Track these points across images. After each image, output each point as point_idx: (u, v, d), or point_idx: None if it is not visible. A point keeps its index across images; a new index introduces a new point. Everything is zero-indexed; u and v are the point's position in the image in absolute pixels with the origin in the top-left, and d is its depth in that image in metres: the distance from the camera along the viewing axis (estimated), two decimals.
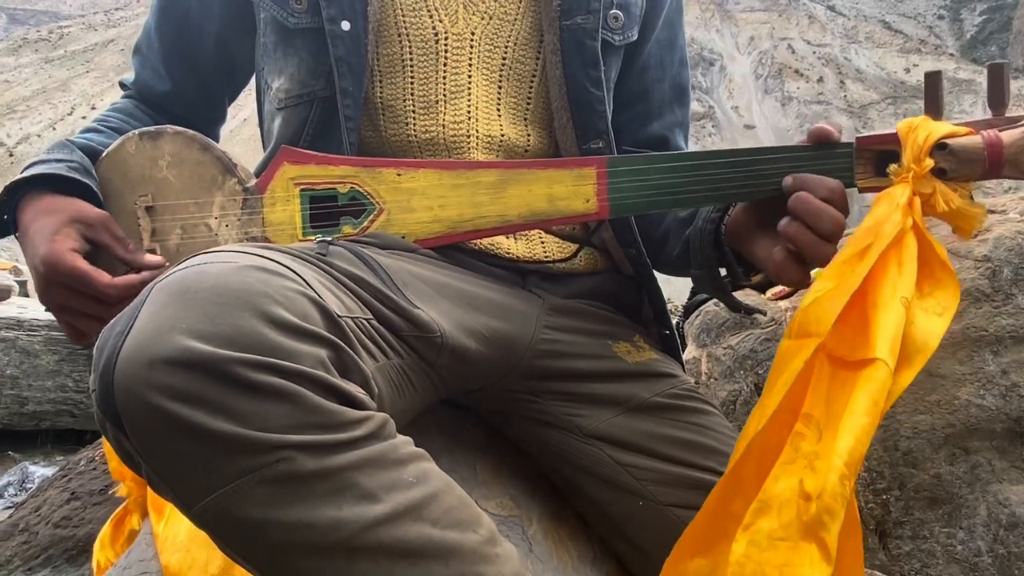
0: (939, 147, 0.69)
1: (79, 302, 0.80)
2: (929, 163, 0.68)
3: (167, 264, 0.85)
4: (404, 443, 0.59)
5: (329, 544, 0.52)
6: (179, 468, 0.52)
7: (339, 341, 0.58)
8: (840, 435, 0.59)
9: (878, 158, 0.73)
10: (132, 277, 0.80)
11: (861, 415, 0.59)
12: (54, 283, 0.79)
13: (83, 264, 0.78)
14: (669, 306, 1.06)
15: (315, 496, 0.52)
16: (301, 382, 0.53)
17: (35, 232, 0.81)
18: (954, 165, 0.69)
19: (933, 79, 0.73)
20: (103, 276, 0.79)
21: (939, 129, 0.69)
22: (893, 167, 0.71)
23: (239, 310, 0.53)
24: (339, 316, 0.60)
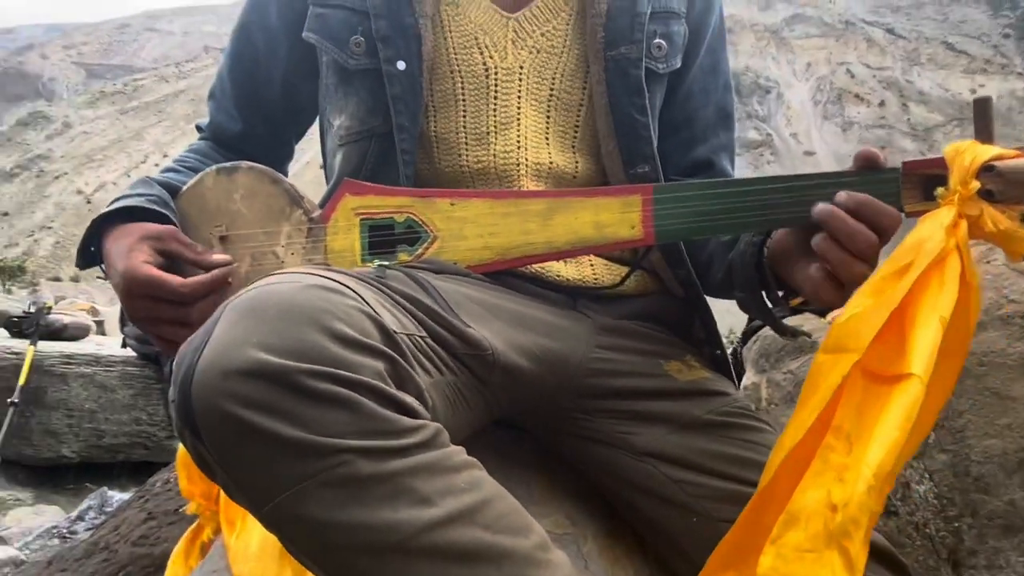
0: (986, 169, 0.69)
1: (159, 309, 0.85)
2: (975, 185, 0.68)
3: (235, 264, 0.90)
4: (457, 452, 0.62)
5: (386, 545, 0.55)
6: (250, 472, 0.56)
7: (395, 355, 0.61)
8: (870, 447, 0.59)
9: (925, 182, 0.73)
10: (202, 276, 0.86)
11: (893, 428, 0.59)
12: (135, 295, 0.84)
13: (154, 271, 0.83)
14: (727, 332, 1.06)
15: (373, 499, 0.55)
16: (360, 391, 0.56)
17: (114, 255, 0.87)
18: (1002, 187, 0.68)
19: (982, 104, 0.73)
20: (175, 279, 0.84)
21: (986, 152, 0.69)
22: (940, 190, 0.71)
23: (304, 325, 0.57)
24: (395, 332, 0.64)
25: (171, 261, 0.88)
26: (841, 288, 0.73)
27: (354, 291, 0.63)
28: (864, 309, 0.65)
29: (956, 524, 1.60)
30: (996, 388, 1.59)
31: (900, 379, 0.61)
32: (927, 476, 1.67)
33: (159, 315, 0.85)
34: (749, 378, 1.93)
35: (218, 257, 0.89)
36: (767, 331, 1.93)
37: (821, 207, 0.73)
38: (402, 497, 0.55)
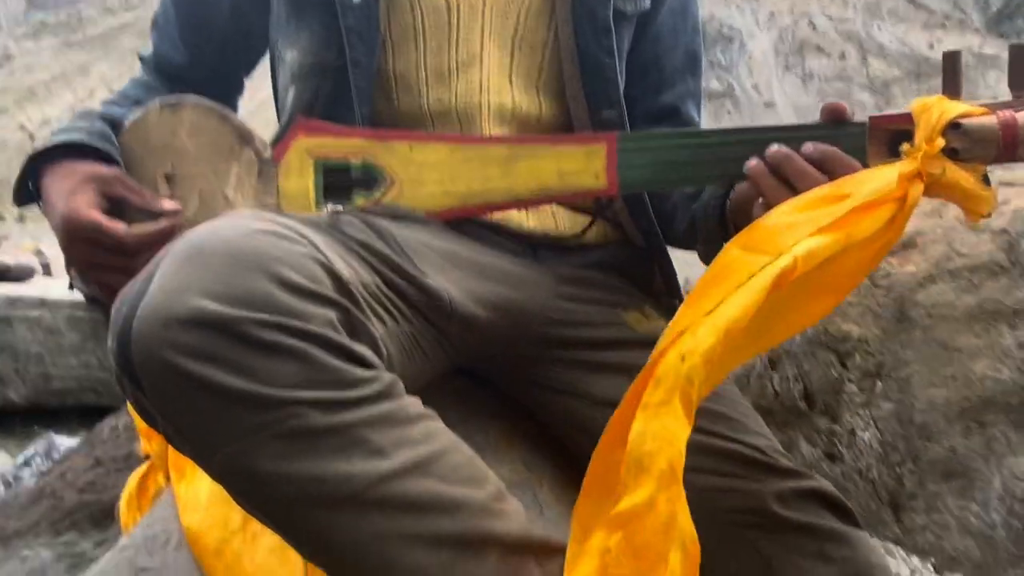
0: (953, 127, 0.68)
1: (102, 256, 0.81)
2: (940, 142, 0.67)
3: (181, 211, 0.86)
4: (412, 403, 0.61)
5: (339, 498, 0.54)
6: (195, 424, 0.54)
7: (347, 303, 0.60)
8: (726, 307, 0.60)
9: (891, 138, 0.73)
10: (148, 225, 0.82)
11: (752, 292, 0.60)
12: (75, 239, 0.80)
13: (99, 216, 0.79)
14: (683, 283, 1.06)
15: (325, 451, 0.54)
16: (310, 341, 0.54)
17: (55, 195, 0.82)
18: (967, 145, 0.68)
19: (952, 58, 0.73)
20: (119, 225, 0.80)
21: (953, 108, 0.68)
22: (905, 146, 0.70)
23: (251, 272, 0.55)
24: (348, 280, 0.61)
25: (116, 205, 0.84)
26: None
27: (305, 237, 0.61)
28: (790, 220, 0.65)
29: (898, 470, 1.66)
30: (943, 339, 1.64)
31: (777, 255, 0.62)
32: (872, 423, 1.72)
33: (101, 262, 0.81)
34: None
35: (167, 204, 0.85)
36: None
37: (775, 148, 0.73)
38: (355, 449, 0.54)
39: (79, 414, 3.88)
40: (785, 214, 0.66)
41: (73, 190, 0.81)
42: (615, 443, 0.62)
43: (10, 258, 4.47)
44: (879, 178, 0.66)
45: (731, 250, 0.65)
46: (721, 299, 0.61)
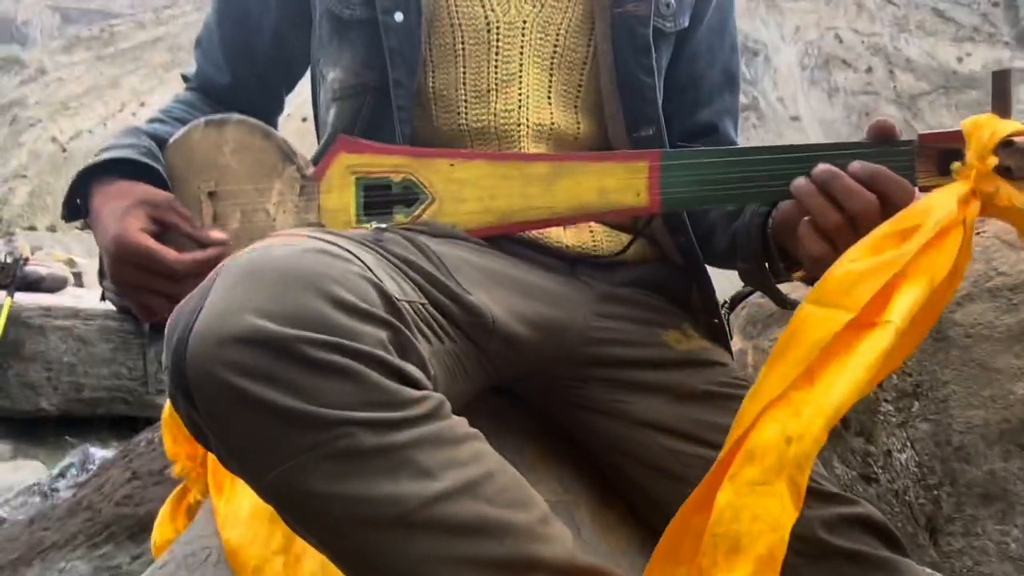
0: (1004, 145, 0.67)
1: (149, 280, 0.82)
2: (993, 160, 0.67)
3: (230, 242, 0.87)
4: (460, 423, 0.60)
5: (387, 519, 0.53)
6: (247, 442, 0.54)
7: (398, 323, 0.60)
8: (835, 385, 0.58)
9: (941, 156, 0.72)
10: (198, 253, 0.83)
11: (860, 369, 0.58)
12: (125, 262, 0.82)
13: (151, 242, 0.81)
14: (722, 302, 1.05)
15: (375, 471, 0.53)
16: (363, 361, 0.55)
17: (106, 215, 0.84)
18: (1020, 163, 0.67)
19: (1001, 77, 0.72)
20: (170, 253, 0.81)
21: (1006, 127, 0.68)
22: (956, 165, 0.69)
23: (304, 291, 0.55)
24: (397, 299, 0.62)
25: (165, 230, 0.85)
26: (825, 240, 0.72)
27: (355, 255, 0.61)
28: (862, 266, 0.64)
29: (935, 492, 1.63)
30: (981, 359, 1.61)
31: (875, 325, 0.60)
32: (909, 444, 1.69)
33: (147, 285, 0.83)
34: (736, 344, 1.94)
35: (216, 235, 0.86)
36: (755, 298, 1.93)
37: (822, 167, 0.72)
38: (404, 470, 0.54)
39: (109, 424, 3.93)
40: (854, 261, 0.64)
41: (125, 212, 0.82)
42: (698, 508, 0.61)
43: (43, 268, 4.54)
44: (940, 206, 0.65)
45: (805, 307, 0.64)
46: (805, 361, 0.60)
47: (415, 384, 0.58)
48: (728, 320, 2.02)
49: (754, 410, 0.61)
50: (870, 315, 0.62)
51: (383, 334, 0.57)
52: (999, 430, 1.55)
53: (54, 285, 4.43)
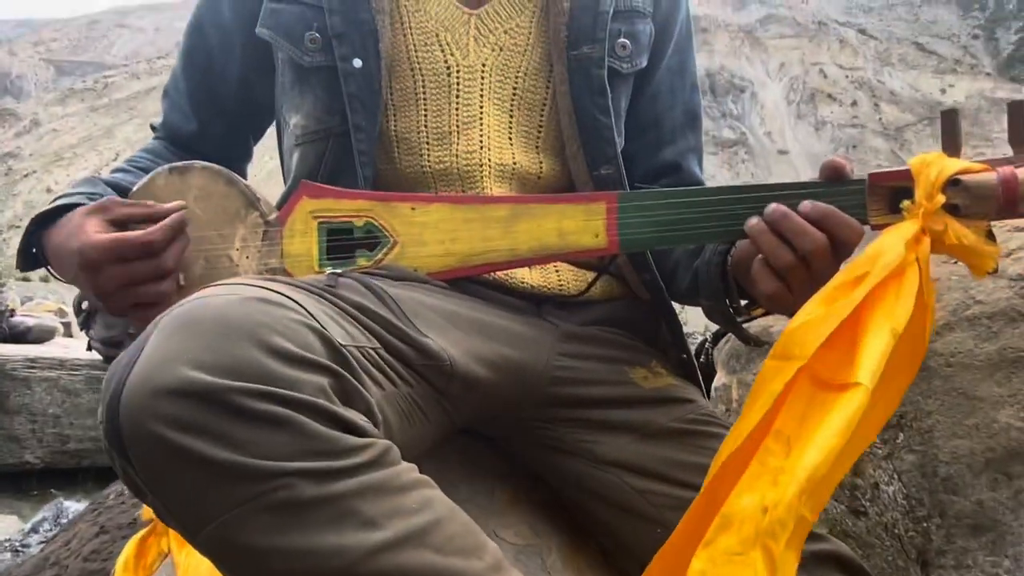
0: (952, 183, 0.67)
1: (131, 269, 0.80)
2: (940, 199, 0.67)
3: (180, 276, 0.86)
4: (407, 470, 0.59)
5: (330, 571, 0.52)
6: (182, 497, 0.53)
7: (341, 369, 0.59)
8: (807, 451, 0.58)
9: (891, 194, 0.72)
10: (164, 221, 0.82)
11: (832, 435, 0.58)
12: (100, 267, 0.79)
13: (116, 233, 0.80)
14: (703, 330, 1.05)
15: (316, 523, 0.52)
16: (300, 410, 0.54)
17: (61, 243, 0.83)
18: (967, 201, 0.67)
19: (950, 116, 0.72)
20: (137, 232, 0.80)
21: (952, 165, 0.68)
22: (906, 203, 0.70)
23: (240, 340, 0.55)
24: (342, 345, 0.61)
25: (122, 228, 0.84)
26: (778, 278, 0.72)
27: (297, 303, 0.61)
28: (814, 317, 0.64)
29: (925, 524, 1.61)
30: (963, 389, 1.60)
31: (846, 387, 0.61)
32: (896, 477, 1.67)
33: (133, 276, 0.80)
34: (720, 379, 1.92)
35: (169, 205, 0.85)
36: None
37: (773, 207, 0.73)
38: (347, 520, 0.53)
39: (95, 475, 3.88)
40: (808, 314, 0.65)
41: (78, 228, 0.81)
42: (667, 570, 0.61)
43: (31, 319, 4.52)
44: (888, 250, 0.66)
45: (766, 363, 0.65)
46: (762, 411, 0.61)
47: (358, 431, 0.57)
48: (711, 354, 2.01)
49: (718, 463, 0.62)
50: (837, 375, 0.62)
51: (324, 381, 0.57)
52: (984, 459, 1.53)
53: (42, 335, 4.41)
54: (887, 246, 0.66)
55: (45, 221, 0.87)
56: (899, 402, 0.68)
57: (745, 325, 0.87)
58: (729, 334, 1.97)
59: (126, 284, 0.81)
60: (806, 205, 0.72)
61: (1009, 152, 0.70)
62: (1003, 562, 1.52)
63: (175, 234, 0.82)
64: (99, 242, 0.79)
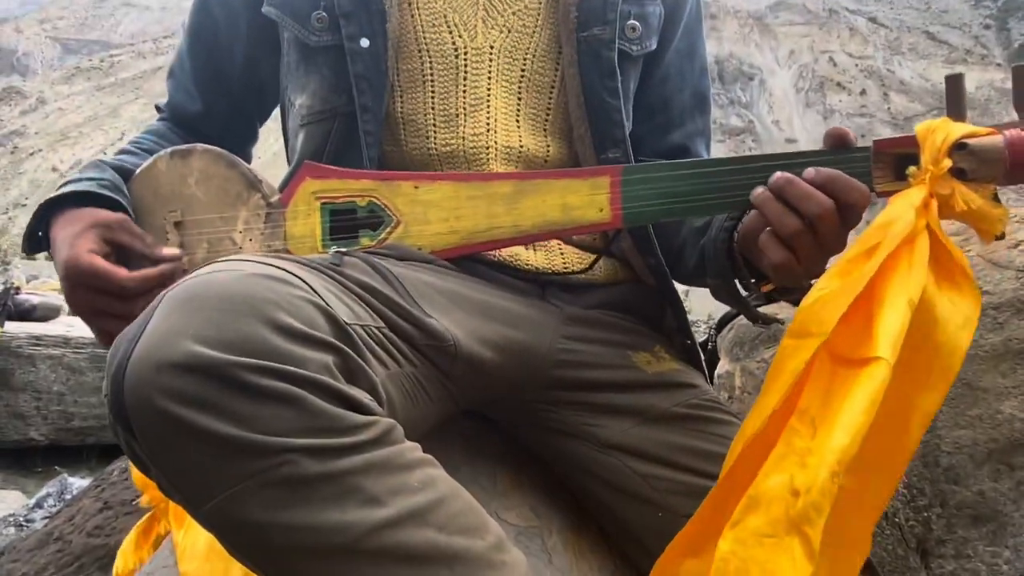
0: (959, 147, 0.67)
1: (103, 301, 0.81)
2: (947, 163, 0.66)
3: (182, 258, 0.86)
4: (411, 448, 0.59)
5: (332, 547, 0.52)
6: (185, 471, 0.53)
7: (345, 347, 0.59)
8: (835, 432, 0.58)
9: (897, 161, 0.71)
10: (148, 271, 0.82)
11: (857, 413, 0.58)
12: (77, 285, 0.81)
13: (99, 261, 0.80)
14: (707, 318, 1.05)
15: (319, 499, 0.52)
16: (305, 386, 0.54)
17: (60, 242, 0.83)
18: (974, 165, 0.66)
19: (954, 81, 0.72)
20: (120, 271, 0.80)
21: (958, 129, 0.67)
22: (912, 169, 0.69)
23: (244, 316, 0.54)
24: (347, 323, 0.61)
25: (119, 251, 0.84)
26: (785, 247, 0.71)
27: (302, 280, 0.61)
28: (829, 291, 0.63)
29: (925, 514, 1.61)
30: (967, 379, 1.59)
31: (866, 362, 0.60)
32: None
33: (101, 308, 0.82)
34: (724, 366, 1.92)
35: (168, 251, 0.86)
36: (742, 319, 1.92)
37: (778, 174, 0.71)
38: (350, 497, 0.53)
39: (99, 453, 3.90)
40: (822, 289, 0.64)
41: (77, 236, 0.82)
42: (689, 551, 0.61)
43: (35, 297, 4.54)
44: (898, 219, 0.65)
45: (784, 341, 0.64)
46: (783, 390, 0.60)
47: (362, 409, 0.57)
48: (716, 341, 2.00)
49: (739, 445, 0.61)
50: (856, 350, 0.61)
51: (328, 358, 0.57)
52: (987, 450, 1.53)
53: (46, 314, 4.42)
54: (896, 214, 0.65)
55: (52, 207, 0.87)
56: (940, 378, 0.65)
57: (757, 306, 0.86)
58: (733, 322, 1.97)
59: (94, 311, 0.82)
60: (811, 171, 0.71)
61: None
62: (1003, 552, 1.52)
63: (154, 286, 0.81)
64: (82, 263, 0.80)
